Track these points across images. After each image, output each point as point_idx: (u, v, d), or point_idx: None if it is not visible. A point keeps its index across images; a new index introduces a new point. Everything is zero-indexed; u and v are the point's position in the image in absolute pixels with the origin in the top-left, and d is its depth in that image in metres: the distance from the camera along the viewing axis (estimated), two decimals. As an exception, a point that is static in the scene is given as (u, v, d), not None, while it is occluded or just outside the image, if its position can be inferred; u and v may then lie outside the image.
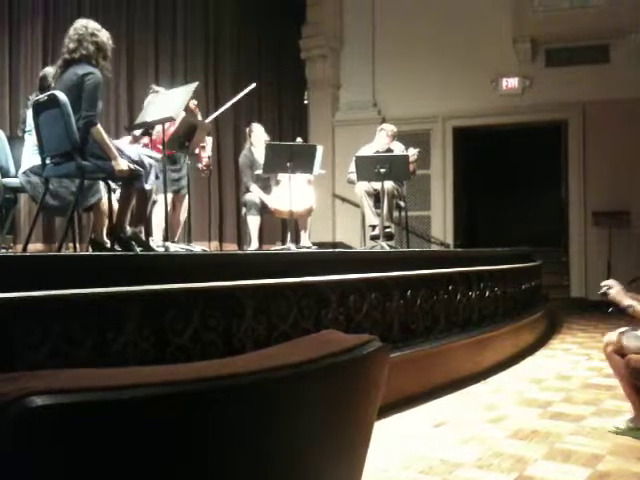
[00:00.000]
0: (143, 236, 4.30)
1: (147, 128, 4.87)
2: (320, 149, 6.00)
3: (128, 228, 4.04)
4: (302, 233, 6.52)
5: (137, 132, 5.26)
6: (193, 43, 9.33)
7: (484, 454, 2.99)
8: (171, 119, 4.40)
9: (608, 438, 3.24)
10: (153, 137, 5.41)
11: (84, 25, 3.90)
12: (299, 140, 6.68)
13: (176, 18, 9.09)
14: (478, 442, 3.18)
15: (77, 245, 4.79)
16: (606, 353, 3.40)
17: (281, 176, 6.28)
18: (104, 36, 3.94)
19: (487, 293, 5.54)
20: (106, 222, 4.18)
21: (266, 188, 6.50)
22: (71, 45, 3.85)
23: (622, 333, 3.33)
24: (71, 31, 3.90)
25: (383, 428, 3.29)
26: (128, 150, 3.97)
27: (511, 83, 10.47)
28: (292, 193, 5.93)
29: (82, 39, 3.84)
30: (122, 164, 3.76)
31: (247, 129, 6.97)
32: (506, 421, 3.59)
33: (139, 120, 4.67)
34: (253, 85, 5.68)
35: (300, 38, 11.35)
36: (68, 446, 0.76)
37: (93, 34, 3.86)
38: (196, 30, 9.38)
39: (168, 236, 5.16)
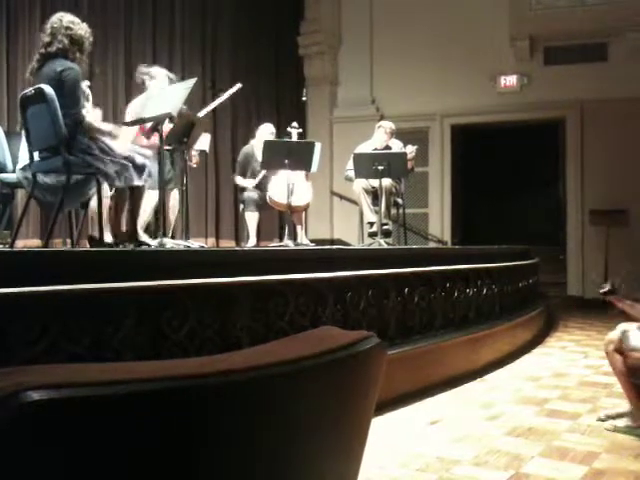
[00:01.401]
0: (142, 234, 4.28)
1: (156, 124, 4.84)
2: (318, 146, 6.00)
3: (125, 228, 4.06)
4: (298, 229, 6.52)
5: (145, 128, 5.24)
6: (191, 40, 9.31)
7: (480, 452, 2.99)
8: (169, 115, 4.37)
9: (604, 436, 3.25)
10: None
11: (59, 18, 3.87)
12: (294, 125, 6.70)
13: (174, 15, 9.08)
14: (474, 440, 3.19)
15: (74, 241, 4.78)
16: (607, 351, 3.41)
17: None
18: (80, 29, 3.89)
19: (484, 291, 5.54)
20: (105, 218, 4.18)
21: (263, 182, 6.55)
22: (46, 39, 3.83)
23: (624, 331, 3.34)
24: (47, 25, 3.88)
25: (380, 425, 3.29)
26: (118, 147, 3.95)
27: (509, 81, 10.46)
28: (291, 187, 5.97)
29: (56, 32, 3.81)
30: (121, 143, 3.83)
31: None
32: (502, 419, 3.60)
33: (136, 116, 4.66)
34: (238, 85, 5.61)
35: (298, 35, 11.34)
36: (64, 441, 0.75)
37: (67, 27, 3.83)
38: (194, 27, 9.36)
39: (165, 232, 5.14)
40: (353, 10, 11.22)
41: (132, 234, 4.09)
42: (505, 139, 11.83)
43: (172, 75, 5.54)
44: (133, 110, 5.23)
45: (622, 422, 3.35)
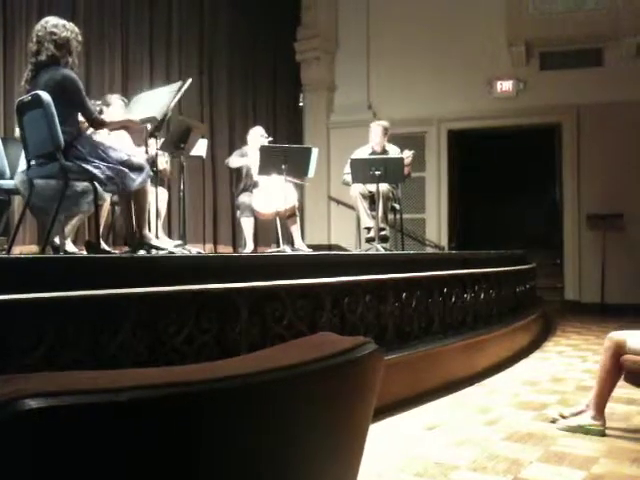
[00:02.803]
0: (153, 238, 4.27)
1: (152, 130, 4.81)
2: (315, 151, 6.00)
3: (147, 232, 4.08)
4: (294, 233, 6.51)
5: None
6: (188, 46, 9.32)
7: (479, 456, 2.99)
8: (154, 120, 4.33)
9: (602, 441, 3.24)
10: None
11: (43, 25, 3.83)
12: (263, 134, 6.70)
13: (171, 20, 9.09)
14: (473, 444, 3.18)
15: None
16: (606, 348, 3.40)
17: (257, 177, 6.32)
18: (65, 32, 3.84)
19: (482, 295, 5.54)
20: (102, 224, 4.18)
21: (248, 190, 6.57)
22: (33, 48, 3.81)
23: (630, 334, 3.36)
24: (33, 33, 3.87)
25: (378, 431, 3.29)
26: (116, 152, 3.95)
27: (505, 86, 10.49)
28: (272, 194, 6.03)
29: (42, 40, 3.79)
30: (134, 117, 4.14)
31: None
32: (501, 423, 3.59)
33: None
34: (189, 80, 5.42)
35: (295, 40, 11.36)
36: (63, 448, 0.75)
37: (52, 33, 3.79)
38: (191, 32, 9.38)
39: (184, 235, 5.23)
40: (350, 15, 11.25)
41: (140, 237, 4.09)
42: (502, 144, 11.86)
43: (125, 99, 5.54)
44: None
45: (575, 421, 3.40)
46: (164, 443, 0.84)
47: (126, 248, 4.28)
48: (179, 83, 4.44)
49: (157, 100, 4.39)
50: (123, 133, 5.41)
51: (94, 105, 4.08)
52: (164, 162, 5.85)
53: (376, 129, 6.76)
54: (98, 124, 3.98)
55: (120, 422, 0.79)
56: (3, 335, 2.07)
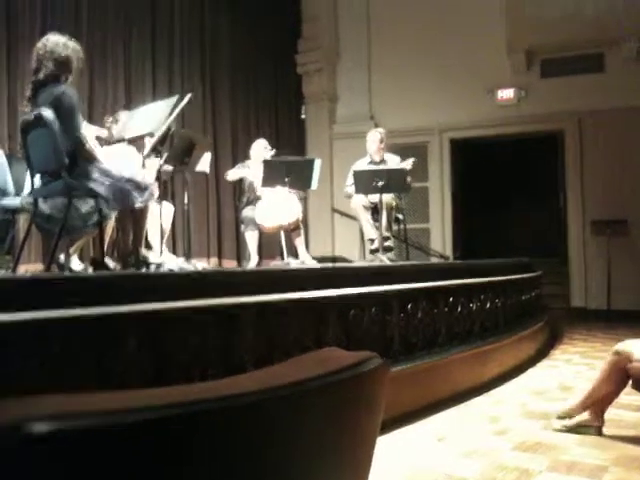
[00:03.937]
0: (149, 255, 4.30)
1: (155, 145, 4.80)
2: (318, 163, 6.01)
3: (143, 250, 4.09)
4: (299, 246, 6.51)
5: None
6: (190, 58, 9.38)
7: (488, 467, 2.97)
8: (150, 134, 4.32)
9: (612, 449, 3.23)
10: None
11: (43, 43, 3.85)
12: (267, 147, 6.70)
13: (173, 34, 9.15)
14: (482, 455, 3.17)
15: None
16: (610, 360, 3.39)
17: (261, 191, 6.34)
18: (64, 50, 3.85)
19: (488, 305, 5.53)
20: (106, 240, 4.19)
21: (252, 203, 6.60)
22: (34, 66, 3.83)
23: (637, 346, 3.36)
24: (34, 51, 3.88)
25: (385, 443, 3.28)
26: (120, 169, 3.96)
27: (507, 94, 10.51)
28: (276, 207, 6.06)
29: (41, 59, 3.80)
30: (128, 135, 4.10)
31: None
32: (509, 433, 3.58)
33: (117, 136, 4.63)
34: (189, 95, 5.36)
35: (296, 53, 11.42)
36: (68, 473, 0.75)
37: (52, 51, 3.80)
38: (192, 45, 9.44)
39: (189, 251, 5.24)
40: (350, 27, 11.31)
41: (137, 255, 4.10)
42: (504, 152, 11.87)
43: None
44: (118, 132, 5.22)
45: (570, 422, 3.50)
46: (172, 463, 0.84)
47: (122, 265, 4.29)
48: (176, 97, 4.44)
49: (153, 115, 4.37)
50: (134, 150, 5.43)
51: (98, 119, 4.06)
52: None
53: (373, 136, 6.79)
54: (85, 153, 3.83)
55: (127, 444, 0.80)
56: (8, 354, 2.08)
